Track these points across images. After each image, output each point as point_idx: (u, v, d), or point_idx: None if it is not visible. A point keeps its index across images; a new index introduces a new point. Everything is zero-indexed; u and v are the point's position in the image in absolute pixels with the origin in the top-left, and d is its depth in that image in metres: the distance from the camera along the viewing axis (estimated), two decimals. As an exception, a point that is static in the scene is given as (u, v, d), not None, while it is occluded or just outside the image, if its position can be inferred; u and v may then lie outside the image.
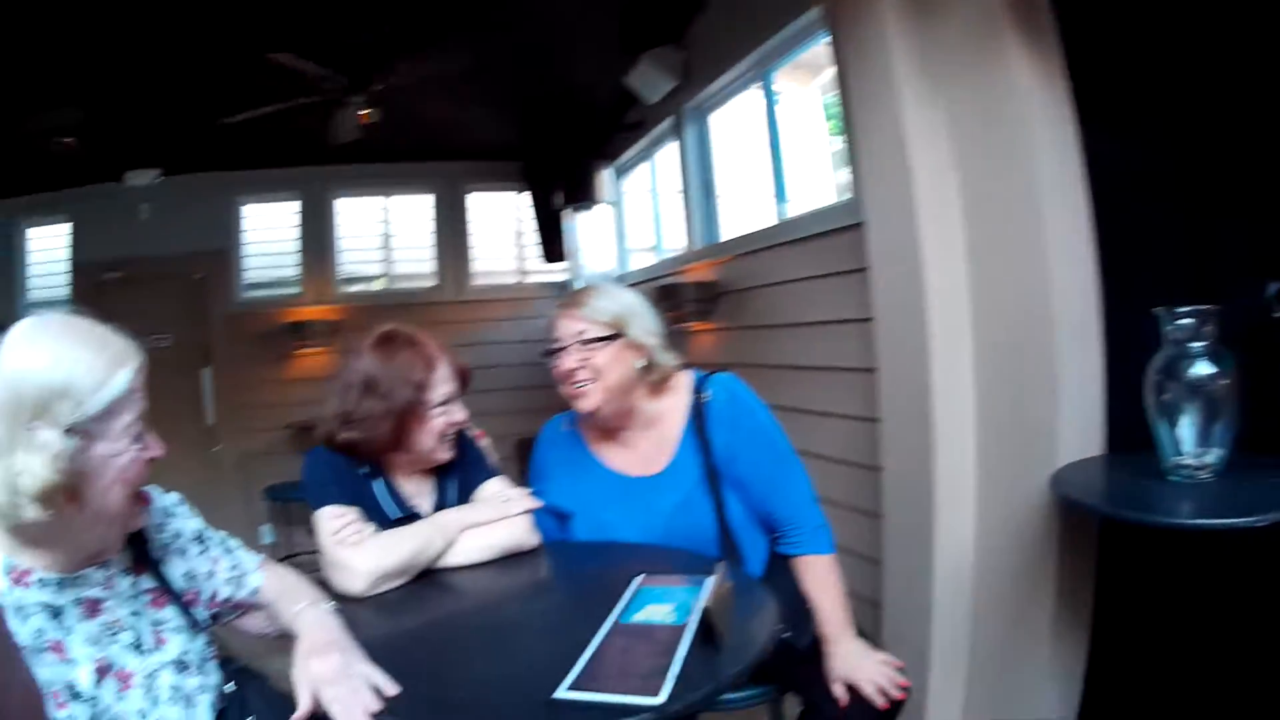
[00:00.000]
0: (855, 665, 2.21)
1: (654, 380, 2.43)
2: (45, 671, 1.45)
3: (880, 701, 2.15)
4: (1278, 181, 2.27)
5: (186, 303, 7.44)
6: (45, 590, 1.53)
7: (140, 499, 1.63)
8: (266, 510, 7.13)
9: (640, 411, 2.46)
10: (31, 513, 1.41)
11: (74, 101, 5.44)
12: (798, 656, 2.25)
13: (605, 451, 2.52)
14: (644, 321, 2.41)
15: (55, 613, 1.53)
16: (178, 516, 1.88)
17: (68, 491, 1.44)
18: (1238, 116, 2.34)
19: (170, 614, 1.73)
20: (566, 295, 2.54)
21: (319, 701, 1.59)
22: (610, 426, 2.49)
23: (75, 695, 1.48)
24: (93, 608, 1.59)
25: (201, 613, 1.82)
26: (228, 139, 6.20)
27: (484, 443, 2.68)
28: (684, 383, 2.48)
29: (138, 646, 1.62)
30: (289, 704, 1.70)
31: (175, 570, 1.80)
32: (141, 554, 1.75)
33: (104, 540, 1.62)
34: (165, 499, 1.87)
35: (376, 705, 1.55)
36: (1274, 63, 2.21)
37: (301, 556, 6.44)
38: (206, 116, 5.88)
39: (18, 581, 1.50)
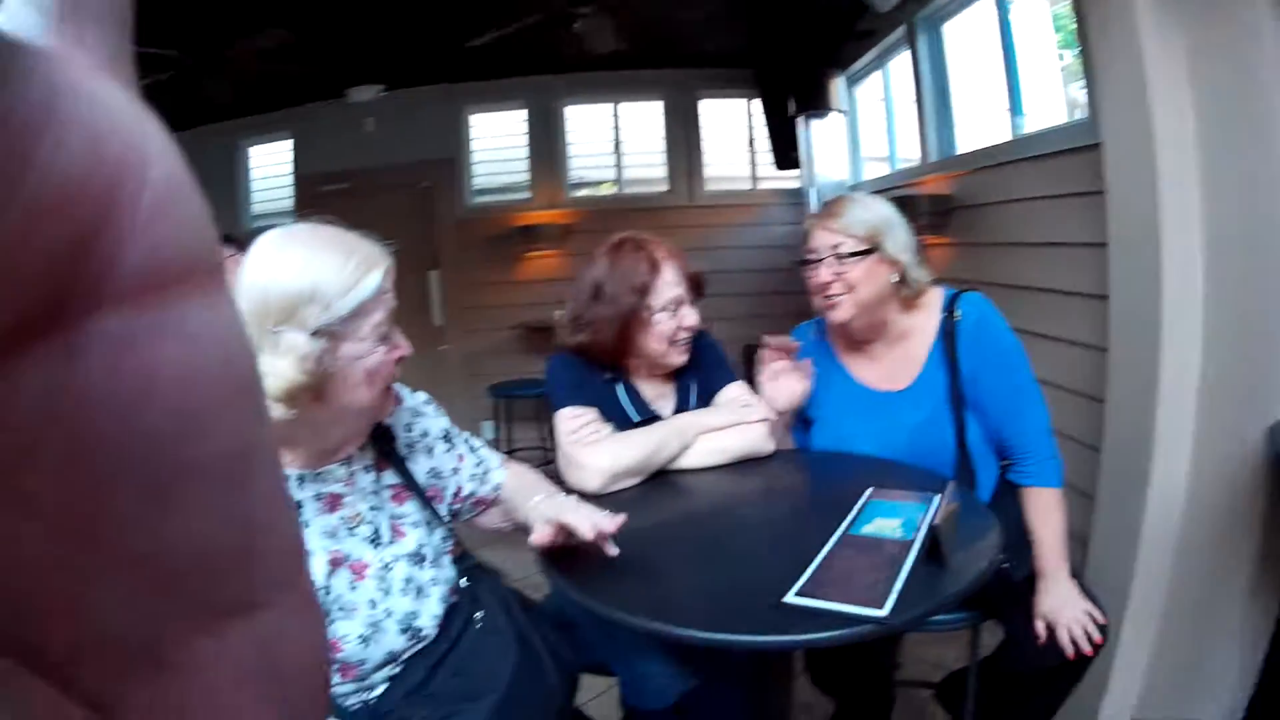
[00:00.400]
0: (1059, 606, 2.22)
1: (906, 296, 2.44)
2: None
3: (1069, 650, 2.16)
4: None
5: (413, 210, 7.70)
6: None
7: (390, 396, 1.74)
8: (490, 407, 7.41)
9: (890, 326, 2.48)
10: (277, 412, 1.51)
11: (293, 21, 5.66)
12: (1010, 587, 2.28)
13: (852, 362, 2.56)
14: (899, 236, 2.42)
15: (294, 507, 1.63)
16: (426, 415, 2.00)
17: (313, 391, 1.54)
18: None
19: (411, 509, 1.84)
20: (822, 205, 2.54)
21: (564, 526, 1.75)
22: (859, 339, 2.52)
23: None
24: (333, 502, 1.73)
25: (443, 508, 1.94)
26: (453, 53, 6.38)
27: None
28: (935, 299, 2.48)
29: (374, 540, 1.74)
30: (520, 600, 1.89)
31: (420, 467, 1.92)
32: (386, 451, 1.87)
33: (346, 437, 1.75)
34: (414, 398, 2.00)
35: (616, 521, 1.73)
36: None
37: (521, 452, 6.82)
38: (432, 32, 6.07)
39: None
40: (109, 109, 0.19)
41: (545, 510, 1.84)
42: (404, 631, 1.71)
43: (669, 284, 2.40)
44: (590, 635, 2.11)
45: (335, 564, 1.67)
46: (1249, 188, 2.54)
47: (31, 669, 0.21)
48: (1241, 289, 2.60)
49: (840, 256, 2.38)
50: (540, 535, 1.78)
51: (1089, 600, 2.24)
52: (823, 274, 2.40)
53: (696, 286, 2.48)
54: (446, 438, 2.02)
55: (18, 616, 0.21)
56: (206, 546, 0.22)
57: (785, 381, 2.45)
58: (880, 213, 2.42)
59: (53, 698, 0.22)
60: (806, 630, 1.48)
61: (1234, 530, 2.60)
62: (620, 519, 1.76)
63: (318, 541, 1.67)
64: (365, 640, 1.65)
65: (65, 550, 0.20)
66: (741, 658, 2.27)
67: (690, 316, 2.43)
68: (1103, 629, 2.21)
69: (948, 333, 2.42)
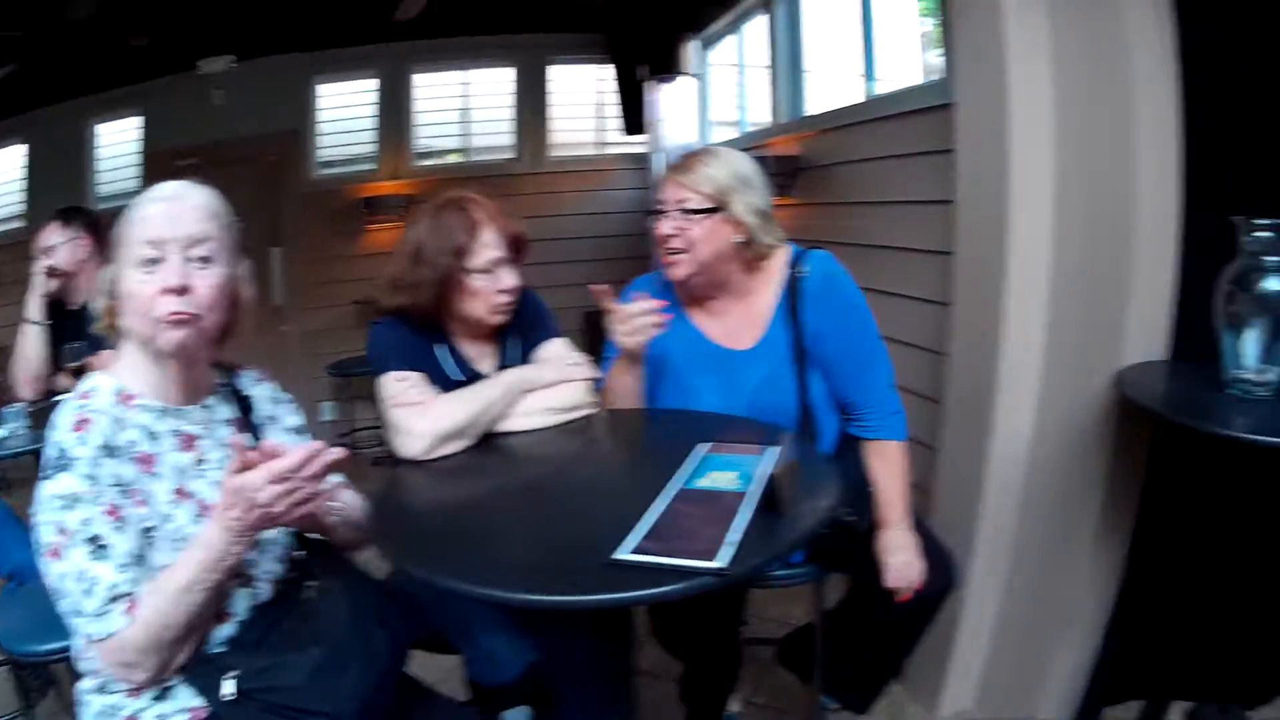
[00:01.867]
0: (891, 550, 2.33)
1: (749, 256, 2.44)
2: (128, 471, 1.68)
3: (889, 583, 2.29)
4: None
5: (261, 184, 7.48)
6: (147, 414, 1.76)
7: (167, 332, 1.72)
8: (330, 387, 7.32)
9: (733, 284, 2.49)
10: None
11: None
12: (854, 539, 2.33)
13: (697, 317, 2.56)
14: (750, 196, 2.41)
15: (152, 436, 1.75)
16: (283, 404, 2.09)
17: (111, 314, 1.77)
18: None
19: None
20: (681, 157, 2.54)
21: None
22: (700, 295, 2.52)
23: (149, 503, 1.68)
24: (188, 442, 1.81)
25: None
26: (303, 19, 6.33)
27: None
28: (781, 258, 2.49)
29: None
30: (352, 570, 1.96)
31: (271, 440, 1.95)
32: (245, 419, 1.97)
33: (176, 370, 1.81)
34: (271, 387, 2.09)
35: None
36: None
37: (365, 431, 6.93)
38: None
39: (123, 401, 1.75)
40: None
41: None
42: (237, 575, 1.74)
43: (487, 245, 2.37)
44: (433, 613, 2.11)
45: (180, 495, 1.74)
46: (1099, 147, 2.64)
47: None
48: (1087, 244, 2.69)
49: (684, 212, 2.39)
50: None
51: (928, 554, 2.35)
52: (664, 227, 2.41)
53: (517, 247, 2.45)
54: (300, 433, 2.07)
55: None
56: None
57: (640, 320, 2.37)
58: (734, 170, 2.42)
59: None
60: (641, 587, 1.46)
61: (1081, 476, 2.72)
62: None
63: (168, 472, 1.75)
64: None
65: None
66: (582, 624, 2.29)
67: (508, 279, 2.40)
68: (947, 575, 2.36)
69: (792, 290, 2.44)
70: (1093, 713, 2.90)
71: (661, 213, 2.43)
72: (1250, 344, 2.11)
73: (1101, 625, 2.80)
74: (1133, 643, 2.82)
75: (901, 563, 2.31)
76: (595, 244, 7.62)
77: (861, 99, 4.49)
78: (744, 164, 2.46)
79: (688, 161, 2.46)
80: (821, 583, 2.49)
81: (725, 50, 6.80)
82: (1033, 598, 2.89)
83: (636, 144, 7.78)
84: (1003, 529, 2.90)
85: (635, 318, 2.34)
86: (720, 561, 1.47)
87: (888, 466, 2.43)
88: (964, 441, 3.03)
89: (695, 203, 2.37)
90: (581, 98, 8.19)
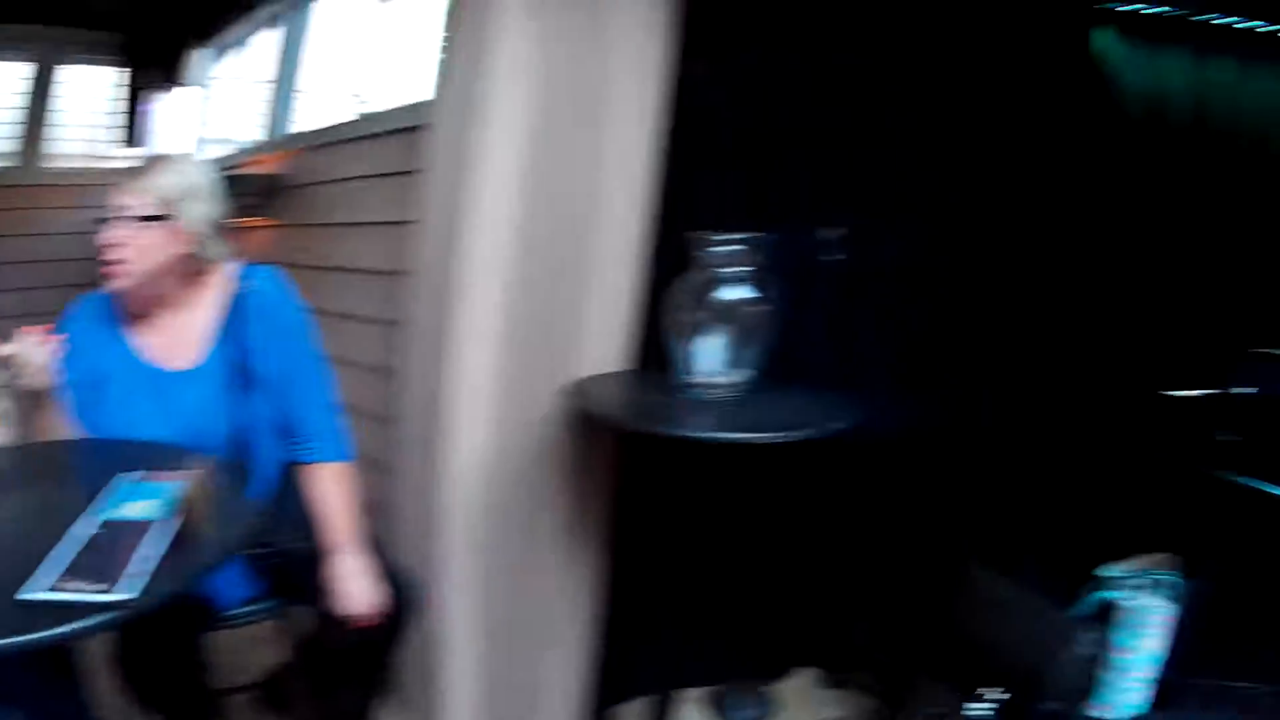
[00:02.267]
0: (342, 577, 2.28)
1: (194, 269, 2.34)
2: None
3: (343, 609, 2.25)
4: (852, 133, 2.45)
5: None
6: None
7: None
8: None
9: (174, 299, 2.36)
10: None
11: None
12: (311, 568, 2.31)
13: (138, 335, 2.40)
14: (201, 207, 2.31)
15: None
16: None
17: None
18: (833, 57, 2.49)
19: None
20: (133, 165, 2.40)
21: None
22: (140, 311, 2.37)
23: None
24: None
25: None
26: None
27: None
28: (227, 275, 2.40)
29: None
30: None
31: None
32: None
33: None
34: None
35: None
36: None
37: None
38: None
39: None
40: None
41: None
42: None
43: None
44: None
45: None
46: (571, 169, 2.72)
47: None
48: (550, 262, 2.77)
49: (129, 219, 2.25)
50: None
51: (381, 573, 2.32)
52: (107, 235, 2.26)
53: None
54: None
55: None
56: None
57: (36, 350, 2.16)
58: (186, 180, 2.32)
59: None
60: (48, 627, 1.35)
61: (547, 487, 2.80)
62: None
63: None
64: None
65: None
66: (20, 675, 2.10)
67: None
68: (408, 595, 2.35)
69: (235, 307, 2.39)
70: (597, 715, 3.00)
71: (105, 221, 2.28)
72: (703, 350, 2.25)
73: (594, 630, 2.90)
74: (629, 642, 2.94)
75: (354, 588, 2.28)
76: (87, 266, 6.97)
77: (348, 118, 4.46)
78: (198, 174, 2.37)
79: (141, 169, 2.34)
80: (288, 616, 2.47)
81: (233, 62, 6.64)
82: (515, 609, 2.93)
83: (133, 157, 7.21)
84: (471, 545, 2.90)
85: (19, 359, 2.15)
86: (129, 593, 1.41)
87: (333, 490, 2.39)
88: (422, 460, 3.03)
89: (140, 210, 2.25)
90: (92, 103, 7.58)
